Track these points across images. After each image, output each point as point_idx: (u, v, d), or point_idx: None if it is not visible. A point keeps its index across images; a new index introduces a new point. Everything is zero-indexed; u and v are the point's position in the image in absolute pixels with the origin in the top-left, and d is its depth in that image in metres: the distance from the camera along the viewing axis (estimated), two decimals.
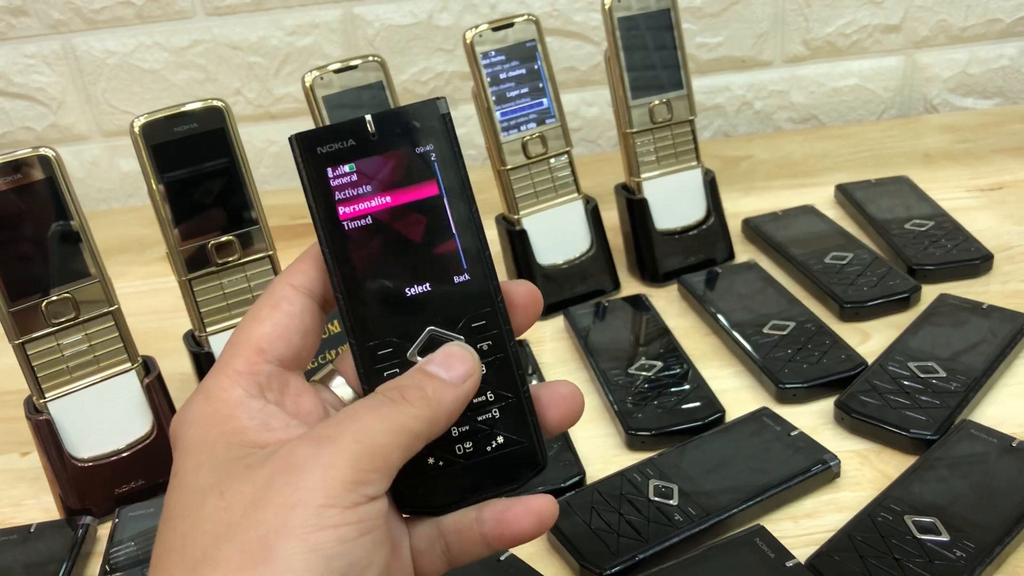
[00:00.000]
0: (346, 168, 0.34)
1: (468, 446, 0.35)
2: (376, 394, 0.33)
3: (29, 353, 0.56)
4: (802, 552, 0.48)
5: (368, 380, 0.34)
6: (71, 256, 0.56)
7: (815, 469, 0.53)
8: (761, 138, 1.03)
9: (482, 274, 0.35)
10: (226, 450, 0.31)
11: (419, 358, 0.34)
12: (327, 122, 0.64)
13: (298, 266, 0.35)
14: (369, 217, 0.34)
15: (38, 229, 0.55)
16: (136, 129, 0.58)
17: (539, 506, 0.35)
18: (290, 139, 0.34)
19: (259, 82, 1.00)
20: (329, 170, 0.34)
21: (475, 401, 0.35)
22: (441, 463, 0.35)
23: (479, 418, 0.35)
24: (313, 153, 0.34)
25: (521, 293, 0.36)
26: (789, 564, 0.47)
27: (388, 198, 0.34)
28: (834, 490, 0.54)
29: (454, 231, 0.35)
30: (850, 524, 0.49)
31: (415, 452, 0.32)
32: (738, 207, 0.84)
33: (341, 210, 0.34)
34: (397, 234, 0.34)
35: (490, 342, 0.35)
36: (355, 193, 0.34)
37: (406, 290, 0.34)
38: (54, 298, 0.56)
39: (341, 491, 0.29)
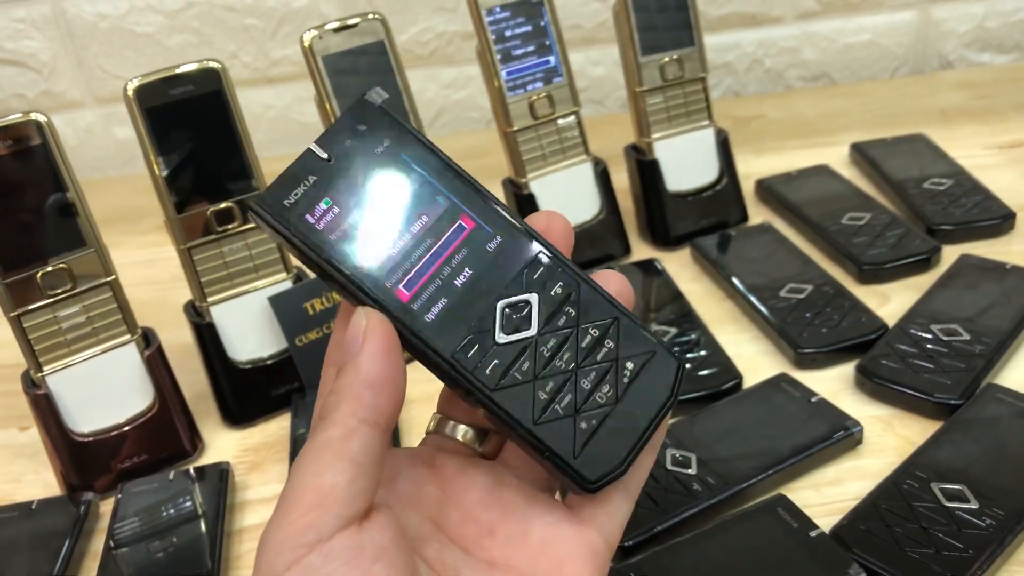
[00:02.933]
0: (323, 205, 0.32)
1: (607, 390, 0.32)
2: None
3: (25, 326, 0.54)
4: (825, 521, 0.47)
5: (476, 390, 0.32)
6: (66, 226, 0.54)
7: (837, 436, 0.52)
8: (772, 97, 1.01)
9: (510, 227, 0.33)
10: None
11: (508, 336, 0.32)
12: (328, 86, 0.62)
13: (331, 341, 0.33)
14: (377, 238, 0.32)
15: (31, 197, 0.53)
16: (130, 92, 0.56)
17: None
18: (250, 208, 0.32)
19: (255, 45, 0.98)
20: (309, 217, 0.31)
21: (584, 344, 0.33)
22: (594, 421, 0.32)
23: (598, 356, 0.33)
24: (284, 210, 0.31)
25: (542, 221, 0.34)
26: (813, 534, 0.45)
27: (382, 210, 0.32)
28: (856, 457, 0.52)
29: (460, 205, 0.33)
30: (875, 492, 0.48)
31: (377, 448, 0.30)
32: (750, 168, 0.82)
33: (346, 248, 0.32)
34: (412, 238, 0.32)
35: (560, 283, 0.33)
36: (349, 223, 0.32)
37: (455, 282, 0.32)
38: (50, 269, 0.54)
39: (287, 551, 0.28)
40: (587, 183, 0.72)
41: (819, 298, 0.63)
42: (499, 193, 0.73)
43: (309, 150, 0.32)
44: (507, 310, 0.32)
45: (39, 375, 0.55)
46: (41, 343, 0.55)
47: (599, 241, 0.72)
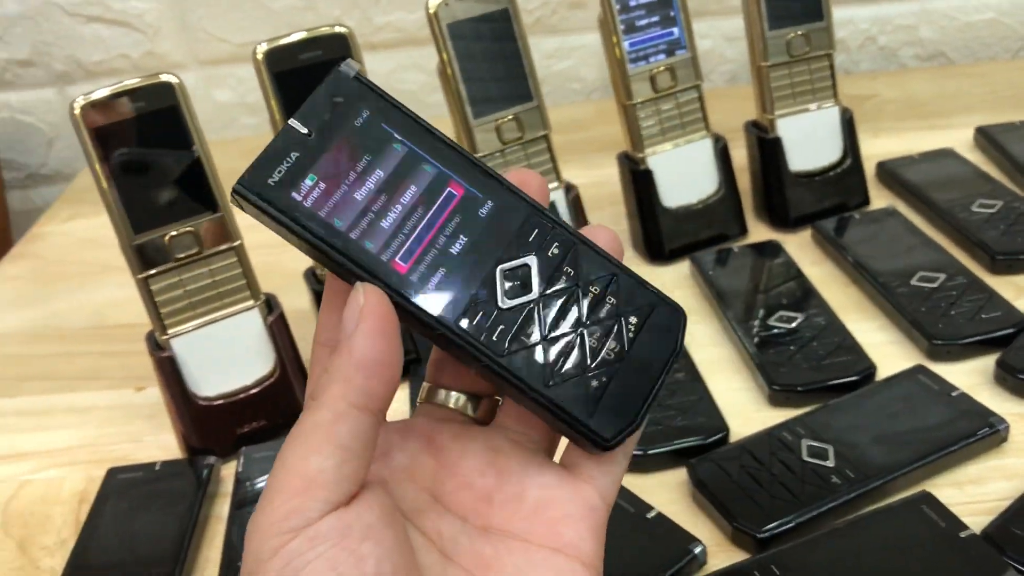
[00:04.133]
0: (308, 182, 0.31)
1: (613, 346, 0.32)
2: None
3: (152, 288, 0.54)
4: (970, 521, 0.45)
5: (484, 357, 0.31)
6: (195, 189, 0.54)
7: (981, 432, 0.50)
8: (885, 75, 0.97)
9: (500, 190, 0.33)
10: None
11: (509, 300, 0.32)
12: (452, 53, 0.61)
13: (319, 320, 0.33)
14: (366, 212, 0.31)
15: (161, 160, 0.53)
16: (259, 56, 0.55)
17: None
18: (233, 191, 0.30)
19: (360, 10, 0.97)
20: (295, 195, 0.30)
21: (586, 302, 0.32)
22: (605, 378, 0.32)
23: (601, 314, 0.33)
24: (268, 189, 0.30)
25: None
26: (963, 535, 0.44)
27: (368, 183, 0.31)
28: (1000, 456, 0.50)
29: (448, 172, 0.32)
30: None
31: (368, 432, 0.29)
32: (868, 150, 0.78)
33: (336, 223, 0.31)
34: (402, 207, 0.31)
35: (556, 242, 0.33)
36: (336, 199, 0.31)
37: (451, 250, 0.32)
38: (177, 232, 0.54)
39: (272, 537, 0.27)
40: (706, 160, 0.70)
41: (952, 287, 0.60)
42: (612, 167, 0.71)
43: (288, 126, 0.31)
44: (507, 274, 0.32)
45: (164, 338, 0.55)
46: (167, 306, 0.55)
47: (716, 220, 0.70)
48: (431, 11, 0.60)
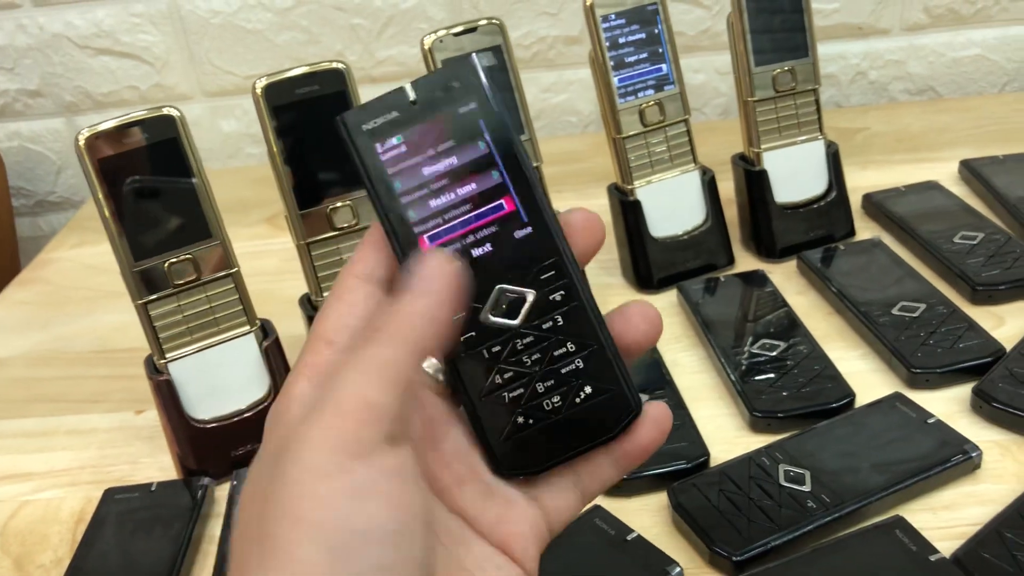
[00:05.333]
0: (394, 140, 0.34)
1: (556, 400, 0.35)
2: (356, 338, 0.32)
3: (151, 313, 0.56)
4: (942, 546, 0.46)
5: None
6: (194, 218, 0.56)
7: (955, 459, 0.51)
8: (875, 109, 0.99)
9: (544, 224, 0.34)
10: (276, 453, 0.30)
11: (492, 317, 0.34)
12: None
13: (357, 254, 0.35)
14: (424, 186, 0.34)
15: (162, 189, 0.55)
16: (258, 90, 0.57)
17: (656, 414, 0.35)
18: (336, 120, 0.34)
19: (362, 44, 0.99)
20: (378, 145, 0.34)
21: (556, 353, 0.34)
22: (532, 421, 0.35)
23: (563, 370, 0.34)
24: (360, 131, 0.34)
25: (578, 219, 0.35)
26: (933, 558, 0.45)
27: (440, 164, 0.34)
28: (974, 482, 0.51)
29: (509, 186, 0.34)
30: (997, 519, 0.47)
31: (412, 384, 0.30)
32: (855, 182, 0.80)
33: (396, 184, 0.34)
34: (454, 198, 0.34)
35: (563, 292, 0.34)
36: (407, 164, 0.34)
37: (472, 252, 0.34)
38: (177, 259, 0.56)
39: (331, 464, 0.28)
40: (694, 192, 0.71)
41: (933, 317, 0.62)
42: (603, 199, 0.73)
43: (401, 88, 0.34)
44: (503, 296, 0.34)
45: (162, 362, 0.57)
46: (165, 331, 0.56)
47: (703, 250, 0.72)
48: (426, 47, 0.62)
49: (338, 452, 0.28)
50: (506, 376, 0.34)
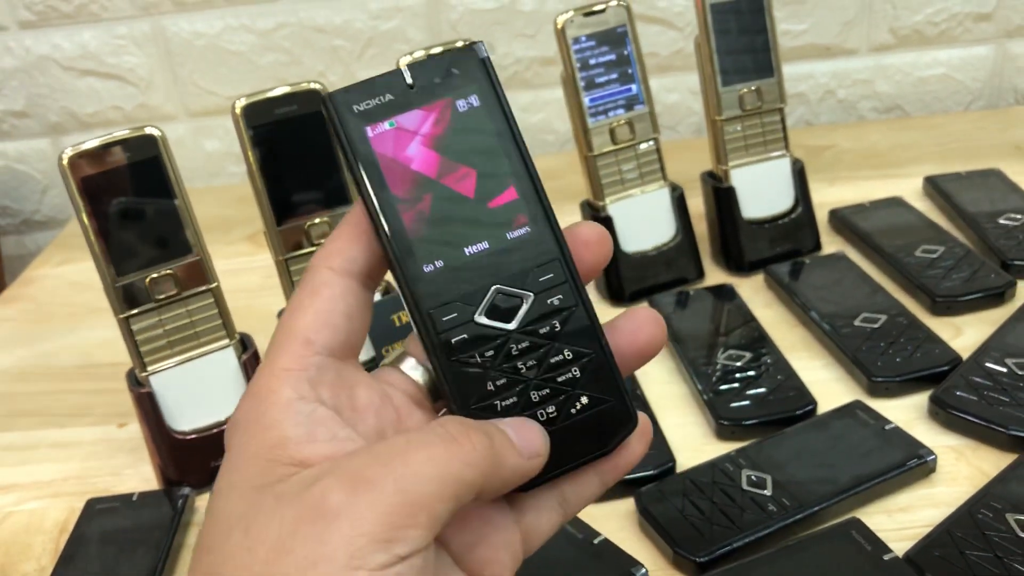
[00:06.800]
0: (386, 125, 0.31)
1: (551, 411, 0.32)
2: (434, 427, 0.29)
3: (133, 328, 0.57)
4: (897, 546, 0.47)
5: (434, 351, 0.32)
6: (175, 234, 0.57)
7: (911, 463, 0.53)
8: (844, 127, 1.02)
9: (544, 224, 0.32)
10: (263, 469, 0.29)
11: (486, 319, 0.32)
12: None
13: (332, 246, 0.32)
14: (416, 175, 0.31)
15: (144, 207, 0.57)
16: (238, 109, 0.59)
17: (644, 426, 0.34)
18: (322, 98, 0.31)
19: (343, 65, 1.01)
20: (368, 129, 0.31)
21: (552, 361, 0.32)
22: None
23: (559, 379, 0.32)
24: (350, 112, 0.31)
25: (586, 232, 0.33)
26: (886, 557, 0.47)
27: (435, 153, 0.32)
28: (929, 485, 0.53)
29: (508, 181, 0.32)
30: (949, 520, 0.49)
31: (464, 503, 0.29)
32: (823, 198, 0.83)
33: (385, 171, 0.31)
34: (448, 190, 0.32)
35: (560, 296, 0.32)
36: (399, 151, 0.31)
37: (465, 249, 0.32)
38: (158, 274, 0.57)
39: (369, 551, 0.26)
40: (664, 208, 0.74)
41: (893, 328, 0.64)
42: (576, 215, 0.75)
43: (398, 70, 0.32)
44: (499, 297, 0.32)
45: (143, 375, 0.58)
46: (147, 344, 0.58)
47: (673, 265, 0.74)
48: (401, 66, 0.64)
49: (377, 546, 0.27)
50: (498, 384, 0.32)
